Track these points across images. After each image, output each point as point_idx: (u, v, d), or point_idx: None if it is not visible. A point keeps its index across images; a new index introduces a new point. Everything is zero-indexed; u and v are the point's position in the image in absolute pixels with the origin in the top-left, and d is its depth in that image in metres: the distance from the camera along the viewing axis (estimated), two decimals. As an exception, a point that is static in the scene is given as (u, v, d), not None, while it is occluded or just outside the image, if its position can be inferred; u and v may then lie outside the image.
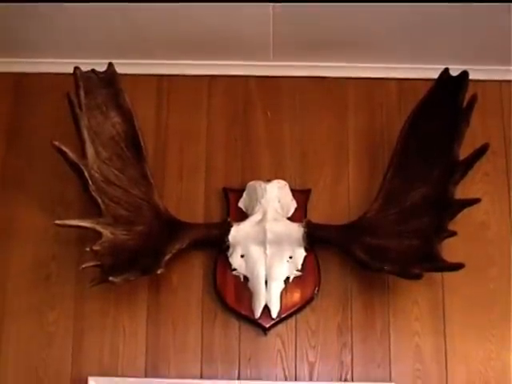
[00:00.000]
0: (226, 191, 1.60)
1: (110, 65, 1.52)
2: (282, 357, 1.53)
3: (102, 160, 1.50)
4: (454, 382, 1.52)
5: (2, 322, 1.54)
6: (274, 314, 1.50)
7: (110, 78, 1.52)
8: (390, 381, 1.51)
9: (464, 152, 1.41)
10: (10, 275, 1.57)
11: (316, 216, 1.55)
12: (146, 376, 1.52)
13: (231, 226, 1.53)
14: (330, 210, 1.58)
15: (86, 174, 1.48)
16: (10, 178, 1.61)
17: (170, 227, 1.52)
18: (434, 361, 1.53)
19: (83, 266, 1.44)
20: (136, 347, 1.53)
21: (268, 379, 1.51)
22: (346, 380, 1.52)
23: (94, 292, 1.53)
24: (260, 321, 1.51)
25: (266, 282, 1.50)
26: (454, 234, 1.44)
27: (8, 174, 1.62)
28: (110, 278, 1.43)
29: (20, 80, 1.69)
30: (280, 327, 1.53)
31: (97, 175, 1.51)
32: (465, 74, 1.45)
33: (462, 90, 1.45)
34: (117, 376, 1.52)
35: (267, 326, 1.52)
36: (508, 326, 1.53)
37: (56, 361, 1.53)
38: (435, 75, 1.49)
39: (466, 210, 1.43)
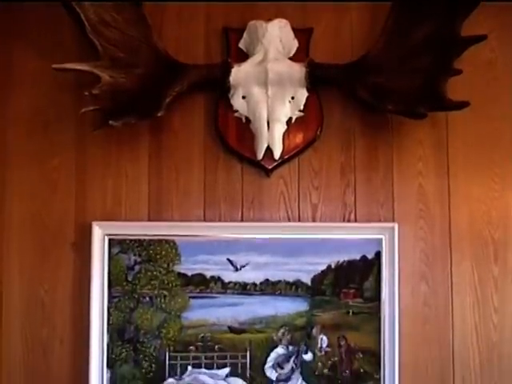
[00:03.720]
0: (226, 31, 1.65)
1: None
2: (284, 198, 1.63)
3: (98, 3, 1.57)
4: (457, 221, 1.62)
5: (4, 171, 1.62)
6: (277, 156, 1.60)
7: None
8: (393, 221, 1.61)
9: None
10: (9, 123, 1.65)
11: (318, 56, 1.59)
12: (149, 220, 1.61)
13: (232, 67, 1.60)
14: (333, 50, 1.61)
15: (83, 16, 1.55)
16: (7, 23, 1.67)
17: (170, 69, 1.59)
18: (437, 201, 1.62)
19: (82, 110, 1.52)
20: (139, 192, 1.62)
21: (271, 221, 1.61)
22: (349, 220, 1.63)
23: (95, 138, 1.62)
24: (262, 162, 1.60)
25: (268, 124, 1.59)
26: (459, 72, 1.51)
27: (4, 18, 1.68)
28: (110, 122, 1.52)
29: None
30: (283, 169, 1.62)
31: (93, 17, 1.58)
32: None
33: None
34: (120, 220, 1.63)
35: (270, 167, 1.61)
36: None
37: (60, 207, 1.62)
38: None
39: (471, 48, 1.49)
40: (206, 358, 1.58)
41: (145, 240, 1.58)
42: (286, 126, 1.57)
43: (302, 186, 1.59)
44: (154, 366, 1.57)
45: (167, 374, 1.57)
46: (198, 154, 1.60)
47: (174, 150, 1.60)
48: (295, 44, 1.60)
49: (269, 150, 1.56)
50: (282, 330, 1.57)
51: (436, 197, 1.60)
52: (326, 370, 1.57)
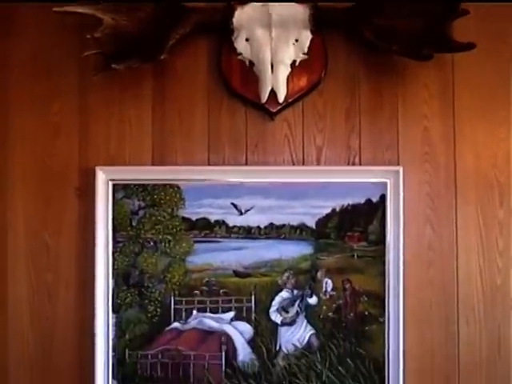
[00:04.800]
0: (228, -27, 1.67)
1: None
2: (289, 141, 1.65)
3: None
4: (462, 164, 1.63)
5: (7, 116, 1.64)
6: (281, 99, 1.61)
7: None
8: (398, 164, 1.62)
9: None
10: (11, 68, 1.65)
11: (322, -3, 1.62)
12: (153, 164, 1.63)
13: (235, 9, 1.60)
14: (337, -9, 1.64)
15: (84, -43, 1.56)
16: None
17: (173, 11, 1.59)
18: (442, 144, 1.64)
19: (85, 53, 1.54)
20: (142, 136, 1.64)
21: (275, 164, 1.63)
22: (353, 164, 1.65)
23: (97, 82, 1.63)
24: (267, 106, 1.61)
25: (272, 66, 1.60)
26: (466, 12, 1.52)
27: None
28: (113, 66, 1.53)
29: None
30: (287, 112, 1.63)
31: (94, -43, 1.58)
32: None
33: None
34: (124, 165, 1.66)
35: (274, 110, 1.62)
36: (519, 103, 1.60)
37: (63, 152, 1.64)
38: None
39: (478, -12, 1.50)
40: (210, 302, 1.60)
41: (149, 185, 1.60)
42: (289, 69, 1.58)
43: (307, 130, 1.61)
44: (159, 310, 1.60)
45: (172, 319, 1.60)
46: (202, 97, 1.61)
47: (177, 93, 1.61)
48: (299, -15, 1.60)
49: (273, 93, 1.57)
50: (286, 274, 1.60)
51: (441, 140, 1.61)
52: (330, 314, 1.60)
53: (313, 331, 1.59)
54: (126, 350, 1.60)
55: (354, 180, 1.58)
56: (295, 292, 1.58)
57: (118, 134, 1.61)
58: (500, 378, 1.60)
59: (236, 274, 1.59)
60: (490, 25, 1.60)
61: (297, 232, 1.59)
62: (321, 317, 1.59)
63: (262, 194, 1.58)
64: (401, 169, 1.56)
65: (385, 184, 1.57)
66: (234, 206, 1.58)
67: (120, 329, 1.59)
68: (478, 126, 1.61)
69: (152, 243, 1.59)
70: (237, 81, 1.60)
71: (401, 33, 1.54)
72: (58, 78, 1.62)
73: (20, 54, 1.62)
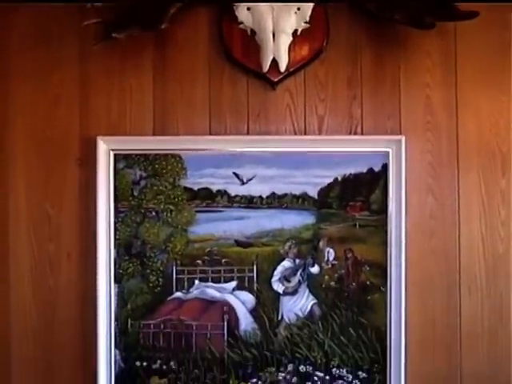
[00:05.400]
0: None
1: None
2: (291, 111, 1.65)
3: None
4: (465, 133, 1.63)
5: (7, 86, 1.63)
6: (282, 68, 1.61)
7: None
8: (400, 133, 1.63)
9: None
10: (11, 38, 1.63)
11: (324, -35, 1.62)
12: (154, 134, 1.63)
13: (236, -23, 1.61)
14: (339, -41, 1.64)
15: None
16: None
17: (173, -20, 1.62)
18: (444, 113, 1.64)
19: (85, 23, 1.55)
20: (143, 106, 1.64)
21: (277, 134, 1.63)
22: (355, 133, 1.65)
23: (98, 52, 1.63)
24: (268, 75, 1.61)
25: (274, 35, 1.61)
26: (468, -20, 1.53)
27: None
28: (113, 35, 1.53)
29: None
30: (289, 81, 1.63)
31: None
32: None
33: None
34: (125, 135, 1.67)
35: (275, 80, 1.62)
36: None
37: (64, 122, 1.64)
38: None
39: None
40: (212, 272, 1.62)
41: (150, 155, 1.61)
42: (291, 38, 1.58)
43: (308, 99, 1.61)
44: (161, 280, 1.62)
45: (174, 288, 1.62)
46: (203, 67, 1.62)
47: (178, 63, 1.62)
48: (301, -47, 1.60)
49: (274, 63, 1.57)
50: (288, 244, 1.61)
51: (444, 109, 1.62)
52: (332, 283, 1.61)
53: (315, 301, 1.60)
54: (129, 320, 1.61)
55: (355, 149, 1.59)
56: (297, 261, 1.60)
57: (119, 103, 1.62)
58: (501, 347, 1.62)
59: (238, 243, 1.60)
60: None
61: (299, 201, 1.60)
62: (323, 286, 1.60)
63: (264, 164, 1.59)
64: (403, 138, 1.57)
65: (387, 153, 1.58)
66: (236, 175, 1.59)
67: (122, 299, 1.60)
68: (481, 95, 1.61)
69: (154, 213, 1.60)
70: (238, 50, 1.60)
71: (403, 1, 1.54)
72: (58, 48, 1.62)
73: (20, 25, 1.63)
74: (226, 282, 1.60)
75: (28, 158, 1.62)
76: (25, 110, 1.63)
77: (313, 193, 1.59)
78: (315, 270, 1.59)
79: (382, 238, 1.58)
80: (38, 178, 1.61)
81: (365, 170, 1.59)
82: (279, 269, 1.59)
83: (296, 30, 1.58)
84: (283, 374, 1.59)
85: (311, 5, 1.57)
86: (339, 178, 1.59)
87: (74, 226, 1.61)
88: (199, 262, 1.59)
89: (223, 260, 1.59)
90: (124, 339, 1.60)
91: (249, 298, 1.59)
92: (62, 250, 1.61)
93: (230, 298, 1.59)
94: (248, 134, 1.60)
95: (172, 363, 1.60)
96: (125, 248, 1.60)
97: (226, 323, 1.59)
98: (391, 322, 1.58)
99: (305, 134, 1.60)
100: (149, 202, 1.60)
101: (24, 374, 1.61)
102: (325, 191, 1.59)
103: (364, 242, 1.59)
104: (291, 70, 1.58)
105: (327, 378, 1.59)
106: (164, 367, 1.60)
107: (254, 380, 1.59)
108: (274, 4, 1.55)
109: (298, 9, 1.57)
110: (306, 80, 1.60)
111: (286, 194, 1.60)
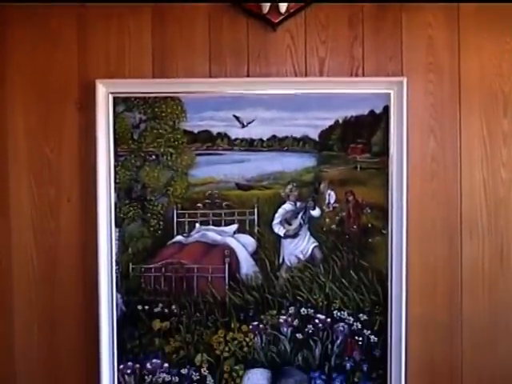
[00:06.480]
0: None
1: None
2: (291, 52, 1.64)
3: None
4: (467, 74, 1.62)
5: (5, 29, 1.63)
6: (283, 9, 1.59)
7: None
8: (402, 75, 1.63)
9: None
10: None
11: None
12: (153, 77, 1.63)
13: None
14: None
15: None
16: None
17: None
18: (446, 53, 1.62)
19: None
20: (142, 48, 1.63)
21: (278, 75, 1.62)
22: (356, 75, 1.66)
23: (95, -7, 1.64)
24: (268, 16, 1.59)
25: None
26: None
27: None
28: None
29: None
30: (289, 22, 1.61)
31: None
32: None
33: None
34: (124, 78, 1.67)
35: (276, 21, 1.61)
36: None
37: (62, 65, 1.63)
38: None
39: None
40: (213, 215, 1.63)
41: (150, 98, 1.61)
42: (292, 1, 1.55)
43: (309, 40, 1.61)
44: (161, 223, 1.63)
45: (175, 232, 1.63)
46: (203, 8, 1.61)
47: (177, 4, 1.61)
48: None
49: (275, 4, 1.56)
50: (289, 186, 1.62)
51: (446, 49, 1.61)
52: (333, 226, 1.63)
53: (316, 243, 1.62)
54: (130, 264, 1.63)
55: (357, 91, 1.60)
56: (298, 204, 1.61)
57: (118, 46, 1.62)
58: (502, 291, 1.64)
59: (238, 186, 1.61)
60: None
61: (299, 144, 1.61)
62: (324, 229, 1.61)
63: (264, 106, 1.60)
64: (404, 79, 1.58)
65: (388, 95, 1.59)
66: (236, 118, 1.60)
67: (123, 243, 1.62)
68: (484, 36, 1.61)
69: (154, 157, 1.61)
70: (238, -8, 1.58)
71: None
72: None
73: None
74: (226, 225, 1.62)
75: (27, 102, 1.62)
76: (23, 55, 1.63)
77: (314, 135, 1.59)
78: (316, 212, 1.60)
79: (383, 180, 1.59)
80: (38, 122, 1.62)
81: (366, 112, 1.59)
82: (280, 212, 1.61)
83: (296, -30, 1.56)
84: (284, 317, 1.61)
85: None
86: (340, 121, 1.59)
87: (73, 170, 1.62)
88: (200, 205, 1.61)
89: (224, 203, 1.61)
90: (125, 283, 1.62)
91: (250, 241, 1.61)
92: (62, 194, 1.63)
93: (231, 242, 1.61)
94: (248, 76, 1.60)
95: (173, 307, 1.62)
96: (125, 192, 1.61)
97: (227, 266, 1.61)
98: (392, 265, 1.60)
99: (305, 75, 1.60)
100: (149, 146, 1.61)
101: (26, 316, 1.64)
102: (326, 133, 1.60)
103: (365, 184, 1.60)
104: (292, 11, 1.58)
105: (328, 320, 1.61)
106: (165, 311, 1.62)
107: (256, 323, 1.61)
108: None
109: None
110: (306, 21, 1.60)
111: (286, 137, 1.60)
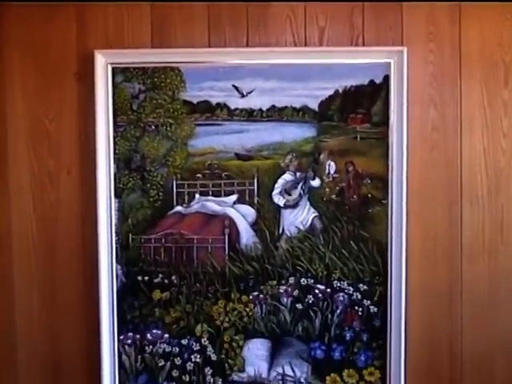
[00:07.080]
0: None
1: None
2: (291, 22, 1.64)
3: None
4: (468, 43, 1.61)
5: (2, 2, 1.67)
6: (282, -20, 1.61)
7: None
8: (402, 44, 1.63)
9: None
10: None
11: None
12: (152, 47, 1.63)
13: None
14: None
15: None
16: None
17: None
18: (447, 22, 1.61)
19: None
20: (141, 18, 1.63)
21: (277, 45, 1.62)
22: (356, 44, 1.65)
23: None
24: None
25: None
26: None
27: None
28: None
29: None
30: None
31: None
32: None
33: None
34: (123, 48, 1.67)
35: None
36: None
37: (60, 36, 1.62)
38: None
39: None
40: (213, 186, 1.64)
41: (149, 68, 1.61)
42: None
43: (309, 9, 1.61)
44: (161, 194, 1.64)
45: (175, 202, 1.64)
46: (202, -25, 1.60)
47: (176, -28, 1.60)
48: None
49: (274, -29, 1.55)
50: (289, 157, 1.62)
51: (446, 18, 1.61)
52: (333, 196, 1.63)
53: (316, 214, 1.62)
54: (129, 235, 1.63)
55: (357, 61, 1.60)
56: (298, 174, 1.62)
57: (116, 16, 1.62)
58: (502, 259, 1.65)
59: (238, 157, 1.62)
60: None
61: (299, 114, 1.61)
62: (324, 199, 1.62)
63: (264, 76, 1.60)
64: (405, 49, 1.57)
65: (388, 64, 1.59)
66: (236, 88, 1.60)
67: (123, 213, 1.63)
68: (484, 5, 1.60)
69: (153, 127, 1.62)
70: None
71: None
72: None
73: None
74: (226, 195, 1.62)
75: (25, 73, 1.63)
76: (21, 26, 1.63)
77: (313, 105, 1.60)
78: (316, 183, 1.61)
79: (383, 150, 1.59)
80: (36, 93, 1.62)
81: (366, 82, 1.59)
82: (280, 182, 1.61)
83: None
84: (284, 287, 1.62)
85: None
86: (340, 90, 1.60)
87: (73, 141, 1.62)
88: (199, 175, 1.61)
89: (223, 173, 1.61)
90: (125, 254, 1.63)
91: (249, 211, 1.61)
92: (62, 166, 1.63)
93: (231, 212, 1.62)
94: (247, 45, 1.60)
95: (173, 277, 1.62)
96: (124, 162, 1.62)
97: (226, 237, 1.61)
98: (392, 235, 1.60)
99: (305, 45, 1.60)
100: (148, 116, 1.61)
101: (26, 287, 1.65)
102: (325, 104, 1.60)
103: (365, 154, 1.60)
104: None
105: (328, 290, 1.62)
106: (165, 281, 1.63)
107: (256, 293, 1.62)
108: None
109: None
110: (307, -5, 1.58)
111: (286, 107, 1.60)
